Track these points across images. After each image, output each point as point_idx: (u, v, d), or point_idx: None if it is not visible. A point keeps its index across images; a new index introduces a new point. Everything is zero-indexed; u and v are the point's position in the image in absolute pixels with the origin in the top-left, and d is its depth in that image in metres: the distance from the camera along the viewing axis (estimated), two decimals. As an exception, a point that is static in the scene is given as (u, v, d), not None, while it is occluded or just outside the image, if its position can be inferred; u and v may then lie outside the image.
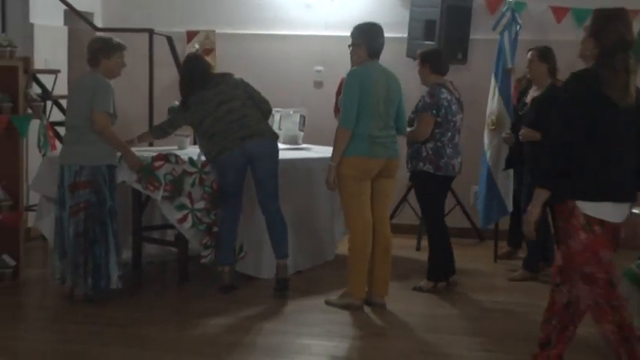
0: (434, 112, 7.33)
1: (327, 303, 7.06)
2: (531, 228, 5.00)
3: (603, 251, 4.95)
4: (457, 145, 7.53)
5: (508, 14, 8.57)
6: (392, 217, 8.50)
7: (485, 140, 8.60)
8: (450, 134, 7.43)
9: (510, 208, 8.50)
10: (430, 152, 7.36)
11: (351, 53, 6.98)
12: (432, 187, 7.48)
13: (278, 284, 7.27)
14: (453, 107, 7.43)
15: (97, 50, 6.98)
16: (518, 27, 8.58)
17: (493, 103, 8.54)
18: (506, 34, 8.51)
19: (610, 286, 4.96)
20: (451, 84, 7.60)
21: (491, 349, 6.18)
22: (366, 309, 6.96)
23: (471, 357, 6.05)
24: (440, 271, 7.61)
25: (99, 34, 8.65)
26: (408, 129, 7.39)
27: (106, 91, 6.86)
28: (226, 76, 7.45)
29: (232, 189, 7.29)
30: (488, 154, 8.55)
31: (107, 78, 6.94)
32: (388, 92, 6.85)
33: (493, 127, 8.47)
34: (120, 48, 7.01)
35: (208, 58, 10.07)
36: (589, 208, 4.91)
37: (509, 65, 8.49)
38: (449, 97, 7.43)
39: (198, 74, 7.38)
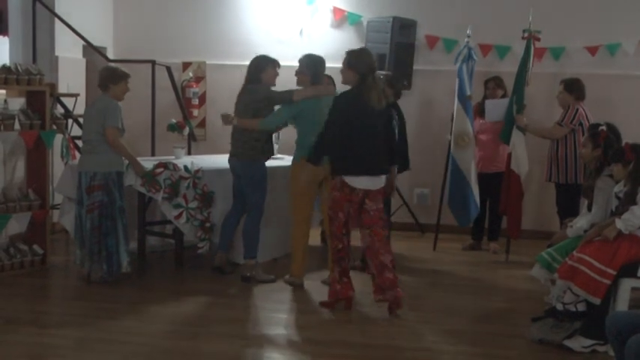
0: None
1: (284, 281, 7.13)
2: None
3: (345, 204, 6.23)
4: None
5: (465, 50, 8.51)
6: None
7: (459, 153, 8.47)
8: None
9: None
10: None
11: (296, 75, 7.09)
12: None
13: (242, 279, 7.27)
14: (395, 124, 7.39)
15: (105, 77, 6.98)
16: (474, 62, 8.55)
17: (461, 124, 8.45)
18: (464, 66, 8.46)
19: (342, 225, 6.29)
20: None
21: (429, 321, 6.27)
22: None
23: (412, 327, 6.11)
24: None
25: (110, 64, 8.66)
26: None
27: (115, 110, 6.87)
28: None
29: (234, 191, 7.37)
30: (462, 166, 8.47)
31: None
32: (322, 110, 6.67)
33: (464, 144, 8.47)
34: (125, 76, 7.00)
35: (200, 86, 10.20)
36: (350, 180, 6.18)
37: (468, 92, 8.47)
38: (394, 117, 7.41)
39: None
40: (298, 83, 7.09)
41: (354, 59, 6.32)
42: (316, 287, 7.02)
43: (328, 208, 6.39)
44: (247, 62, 7.28)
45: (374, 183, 6.29)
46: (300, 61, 7.09)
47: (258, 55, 7.34)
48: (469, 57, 8.52)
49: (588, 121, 7.77)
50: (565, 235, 6.27)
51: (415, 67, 9.63)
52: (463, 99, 8.47)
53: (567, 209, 7.72)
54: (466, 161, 8.51)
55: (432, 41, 9.65)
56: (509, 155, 8.22)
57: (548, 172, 8.05)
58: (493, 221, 8.74)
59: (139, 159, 7.29)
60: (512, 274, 7.80)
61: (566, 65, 9.27)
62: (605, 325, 4.36)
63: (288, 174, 7.13)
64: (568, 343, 5.60)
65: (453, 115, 8.56)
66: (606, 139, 6.20)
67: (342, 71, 6.39)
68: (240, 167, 7.18)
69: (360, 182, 6.23)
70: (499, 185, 8.36)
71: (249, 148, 7.12)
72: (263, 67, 7.16)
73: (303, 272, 7.09)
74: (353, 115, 6.20)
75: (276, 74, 7.24)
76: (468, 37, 8.58)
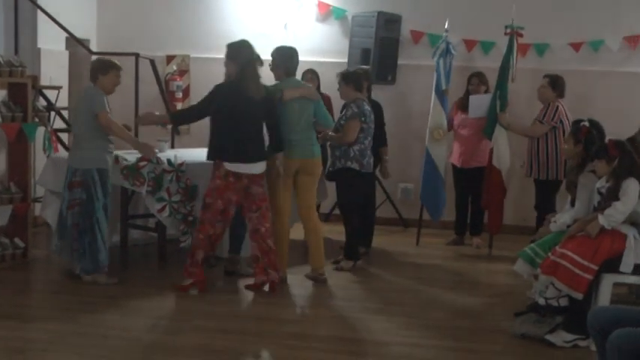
0: (362, 118, 7.34)
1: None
2: None
3: (227, 192, 6.50)
4: (370, 148, 7.54)
5: (443, 45, 8.55)
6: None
7: (433, 147, 8.53)
8: (369, 138, 7.48)
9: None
10: (357, 153, 7.38)
11: (272, 71, 7.10)
12: (356, 181, 7.48)
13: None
14: (371, 117, 7.45)
15: (94, 68, 6.82)
16: (452, 56, 8.60)
17: (437, 117, 8.53)
18: (441, 61, 8.50)
19: (219, 213, 6.56)
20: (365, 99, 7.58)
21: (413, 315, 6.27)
22: (309, 282, 7.02)
23: (396, 321, 6.10)
24: (357, 251, 7.64)
25: (94, 57, 8.63)
26: (331, 133, 7.40)
27: (100, 95, 6.69)
28: None
29: None
30: (435, 159, 8.54)
31: (104, 93, 6.76)
32: (300, 102, 6.91)
33: (439, 138, 8.52)
34: (114, 67, 6.83)
35: (184, 79, 10.16)
36: (235, 167, 6.48)
37: (444, 87, 8.51)
38: (369, 109, 7.45)
39: None
40: (276, 78, 7.08)
41: (233, 52, 6.64)
42: (300, 281, 7.02)
43: (205, 195, 6.65)
44: None
45: (256, 168, 6.61)
46: (272, 55, 7.09)
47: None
48: (447, 51, 8.57)
49: (568, 118, 7.84)
50: (548, 230, 6.29)
51: (399, 61, 9.63)
52: (440, 93, 8.54)
53: (544, 205, 7.80)
54: (440, 155, 8.58)
55: (416, 36, 9.65)
56: (492, 150, 8.24)
57: (529, 168, 8.10)
58: (475, 216, 8.77)
59: (122, 152, 7.24)
60: (495, 269, 7.83)
61: (549, 62, 9.28)
62: (587, 319, 4.36)
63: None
64: (550, 337, 5.61)
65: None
66: (587, 135, 6.21)
67: (225, 64, 6.69)
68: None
69: (244, 168, 6.54)
70: (481, 180, 8.40)
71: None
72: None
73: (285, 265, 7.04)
74: (233, 104, 6.50)
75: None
76: (446, 31, 8.61)
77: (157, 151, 7.27)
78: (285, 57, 7.07)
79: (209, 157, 6.67)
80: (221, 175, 6.55)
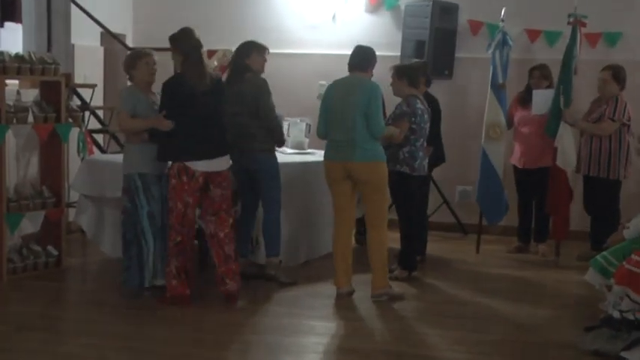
0: (411, 119, 7.25)
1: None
2: None
3: (183, 193, 6.37)
4: (422, 149, 7.43)
5: (499, 36, 8.50)
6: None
7: (490, 146, 8.49)
8: (422, 140, 7.38)
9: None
10: (407, 155, 7.31)
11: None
12: (408, 186, 7.39)
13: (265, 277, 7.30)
14: (425, 116, 7.35)
15: (125, 66, 6.78)
16: (509, 48, 8.54)
17: (494, 114, 8.49)
18: (497, 53, 8.46)
19: (182, 216, 6.41)
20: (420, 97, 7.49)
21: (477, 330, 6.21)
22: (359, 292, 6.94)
23: (452, 336, 6.03)
24: (413, 261, 7.58)
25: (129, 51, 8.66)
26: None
27: (129, 95, 6.63)
28: None
29: (242, 189, 7.32)
30: (493, 159, 8.50)
31: (142, 87, 6.69)
32: (344, 101, 6.78)
33: (495, 136, 8.48)
34: (141, 56, 6.73)
35: (225, 74, 10.17)
36: (188, 164, 6.35)
37: (500, 81, 8.46)
38: (422, 107, 7.37)
39: None
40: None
41: (174, 41, 6.59)
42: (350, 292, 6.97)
43: (167, 198, 6.54)
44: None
45: (215, 165, 6.46)
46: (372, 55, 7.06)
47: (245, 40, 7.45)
48: (504, 43, 8.50)
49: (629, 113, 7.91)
50: (621, 237, 6.18)
51: (457, 54, 9.57)
52: (496, 88, 8.49)
53: (605, 206, 7.82)
54: (497, 155, 8.52)
55: (475, 26, 9.57)
56: (556, 150, 8.14)
57: (586, 166, 8.10)
58: (540, 222, 8.67)
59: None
60: (563, 279, 7.73)
61: (617, 52, 9.15)
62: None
63: (319, 172, 7.15)
64: (626, 354, 5.49)
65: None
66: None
67: (172, 57, 6.69)
68: (255, 161, 7.16)
69: (200, 166, 6.40)
70: (545, 183, 8.31)
71: (263, 141, 7.15)
72: (248, 53, 7.29)
73: (339, 281, 6.92)
74: (179, 97, 6.41)
75: (264, 60, 7.35)
76: (502, 21, 8.55)
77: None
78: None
79: (158, 156, 6.54)
80: (174, 174, 6.43)
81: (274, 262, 7.27)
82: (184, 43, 6.53)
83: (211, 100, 6.50)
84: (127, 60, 6.84)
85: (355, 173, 6.75)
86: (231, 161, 6.67)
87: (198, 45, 6.55)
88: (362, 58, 6.95)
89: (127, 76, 6.83)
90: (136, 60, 6.71)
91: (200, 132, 6.42)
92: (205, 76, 6.49)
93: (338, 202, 6.90)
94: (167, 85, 6.53)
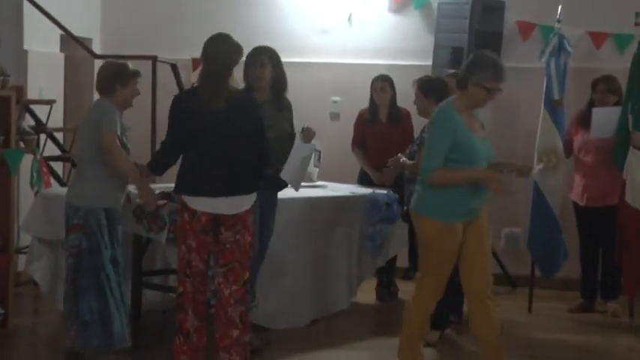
0: None
1: None
2: None
3: (187, 234, 6.17)
4: None
5: (555, 41, 8.53)
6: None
7: (544, 178, 8.46)
8: None
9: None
10: None
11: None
12: None
13: None
14: None
15: (110, 76, 6.70)
16: (567, 55, 8.56)
17: (548, 137, 8.51)
18: (552, 62, 8.49)
19: (185, 262, 6.19)
20: None
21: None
22: None
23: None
24: (446, 318, 7.49)
25: (97, 61, 8.60)
26: (404, 159, 7.35)
27: (113, 113, 6.61)
28: None
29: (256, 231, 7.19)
30: (547, 195, 8.51)
31: (120, 107, 6.72)
32: None
33: (551, 166, 8.44)
34: (136, 75, 6.79)
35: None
36: (189, 200, 6.17)
37: (556, 97, 8.45)
38: None
39: None
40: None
41: (203, 50, 6.37)
42: None
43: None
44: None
45: (226, 206, 6.18)
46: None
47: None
48: (560, 49, 8.52)
49: None
50: None
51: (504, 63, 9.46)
52: (550, 105, 8.55)
53: None
54: (554, 189, 8.57)
55: (526, 29, 9.59)
56: (624, 183, 8.09)
57: None
58: (609, 274, 8.64)
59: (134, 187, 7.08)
60: (638, 346, 7.69)
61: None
62: None
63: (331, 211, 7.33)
64: None
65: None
66: None
67: None
68: (265, 197, 7.01)
69: (201, 204, 6.17)
70: (615, 224, 8.26)
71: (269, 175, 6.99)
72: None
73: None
74: (184, 114, 6.25)
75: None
76: (558, 21, 8.57)
77: (162, 202, 7.02)
78: None
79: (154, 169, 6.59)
80: (179, 208, 6.29)
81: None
82: (207, 48, 6.35)
83: (228, 123, 6.23)
84: (116, 71, 6.76)
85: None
86: (254, 200, 6.38)
87: (222, 54, 6.30)
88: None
89: (105, 90, 6.71)
90: (130, 77, 6.74)
91: (205, 162, 6.19)
92: (222, 92, 6.24)
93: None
94: (175, 98, 6.43)
